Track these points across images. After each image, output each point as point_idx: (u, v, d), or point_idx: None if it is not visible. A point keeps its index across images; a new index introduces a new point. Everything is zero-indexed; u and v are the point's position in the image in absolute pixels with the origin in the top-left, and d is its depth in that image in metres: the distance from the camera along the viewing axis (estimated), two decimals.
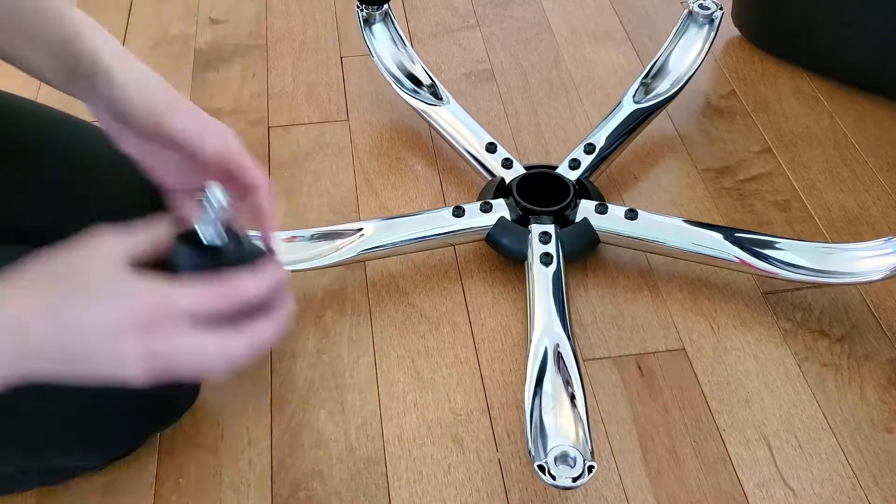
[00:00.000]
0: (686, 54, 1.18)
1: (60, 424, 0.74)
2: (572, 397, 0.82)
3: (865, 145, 1.21)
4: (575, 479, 0.74)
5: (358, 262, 1.01)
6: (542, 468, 0.75)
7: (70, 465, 0.82)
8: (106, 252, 0.54)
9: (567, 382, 0.84)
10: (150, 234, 0.57)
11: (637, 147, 1.20)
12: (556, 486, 0.74)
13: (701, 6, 1.18)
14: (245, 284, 0.55)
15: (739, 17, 1.39)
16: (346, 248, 0.97)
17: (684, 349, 0.96)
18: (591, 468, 0.74)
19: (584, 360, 0.95)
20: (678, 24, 1.19)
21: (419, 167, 1.18)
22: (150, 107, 0.66)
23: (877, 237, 1.07)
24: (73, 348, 0.52)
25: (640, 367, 0.95)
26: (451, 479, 0.85)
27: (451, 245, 1.06)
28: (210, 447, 0.88)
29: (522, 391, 0.83)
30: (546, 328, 0.89)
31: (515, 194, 1.03)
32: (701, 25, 1.18)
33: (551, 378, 0.84)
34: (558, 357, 0.86)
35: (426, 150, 1.21)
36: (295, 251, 0.97)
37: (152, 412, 0.81)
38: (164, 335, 0.52)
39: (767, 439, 0.88)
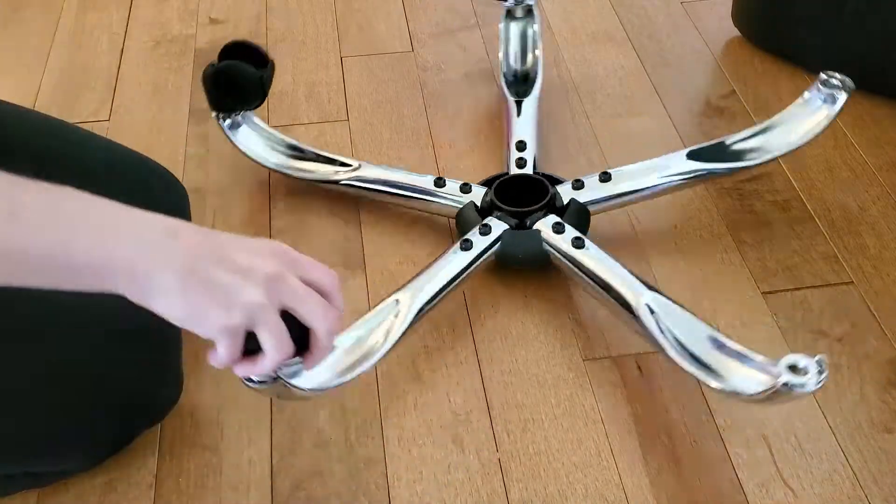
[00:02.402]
0: (790, 128, 1.05)
1: (33, 430, 0.74)
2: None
3: (865, 145, 1.21)
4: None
5: (333, 188, 1.08)
6: (787, 384, 0.74)
7: (53, 469, 0.82)
8: None
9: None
10: None
11: (637, 147, 1.21)
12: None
13: (825, 80, 1.03)
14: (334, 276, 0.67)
15: (739, 17, 1.39)
16: (331, 173, 1.06)
17: None
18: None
19: (584, 360, 0.95)
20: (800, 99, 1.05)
21: (420, 166, 1.18)
22: None
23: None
24: (216, 252, 0.61)
25: (640, 367, 0.95)
26: (451, 479, 0.85)
27: (421, 211, 1.09)
28: (210, 447, 0.88)
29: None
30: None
31: (493, 188, 1.04)
32: (822, 101, 1.04)
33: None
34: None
35: (426, 150, 1.21)
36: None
37: (132, 413, 0.80)
38: (292, 276, 0.63)
39: (767, 439, 0.88)
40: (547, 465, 0.86)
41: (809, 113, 1.05)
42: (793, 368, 0.74)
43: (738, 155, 1.05)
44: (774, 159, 1.06)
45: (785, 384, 0.73)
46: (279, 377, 0.71)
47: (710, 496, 0.84)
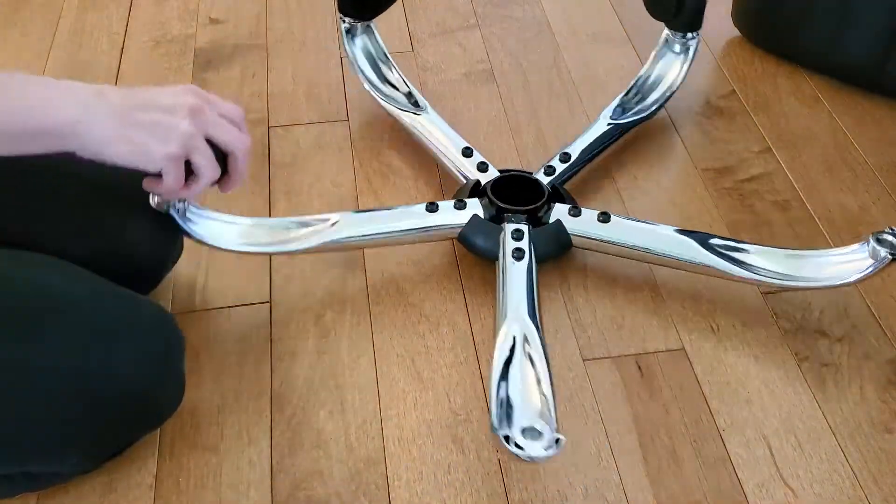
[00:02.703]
0: (820, 267, 0.95)
1: (32, 432, 0.74)
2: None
3: (865, 145, 1.21)
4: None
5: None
6: (507, 438, 0.74)
7: (52, 469, 0.82)
8: None
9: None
10: None
11: (637, 147, 1.21)
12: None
13: (881, 238, 0.89)
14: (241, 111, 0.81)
15: (739, 17, 1.39)
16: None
17: (684, 349, 0.96)
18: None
19: (584, 360, 0.95)
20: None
21: (419, 166, 1.18)
22: None
23: None
24: (141, 100, 0.73)
25: (640, 367, 0.95)
26: (451, 479, 0.85)
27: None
28: (210, 447, 0.88)
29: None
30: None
31: (490, 194, 1.02)
32: (867, 255, 0.91)
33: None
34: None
35: (426, 149, 1.20)
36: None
37: (133, 416, 0.80)
38: (210, 109, 0.76)
39: (767, 439, 0.88)
40: (547, 465, 0.86)
41: (849, 261, 0.93)
42: (527, 432, 0.74)
43: (755, 269, 0.95)
44: (792, 289, 1.00)
45: (506, 437, 0.74)
46: (172, 215, 0.86)
47: (710, 496, 0.84)
